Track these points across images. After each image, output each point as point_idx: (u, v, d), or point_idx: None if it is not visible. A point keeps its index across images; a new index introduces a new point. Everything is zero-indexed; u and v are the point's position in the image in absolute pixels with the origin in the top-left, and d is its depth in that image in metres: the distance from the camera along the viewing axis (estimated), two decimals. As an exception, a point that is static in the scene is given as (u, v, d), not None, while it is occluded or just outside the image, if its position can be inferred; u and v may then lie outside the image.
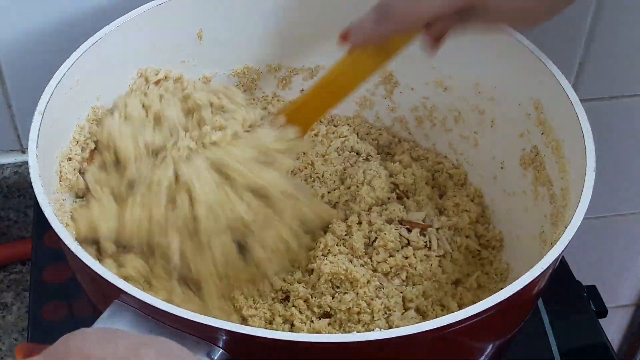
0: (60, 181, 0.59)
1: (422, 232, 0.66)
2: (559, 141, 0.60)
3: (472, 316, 0.45)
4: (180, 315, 0.43)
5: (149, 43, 0.66)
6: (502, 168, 0.69)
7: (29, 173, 0.52)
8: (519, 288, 0.47)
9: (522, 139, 0.65)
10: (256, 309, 0.60)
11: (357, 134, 0.76)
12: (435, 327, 0.44)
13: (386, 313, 0.59)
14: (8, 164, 0.81)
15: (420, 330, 0.44)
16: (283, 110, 0.65)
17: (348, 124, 0.76)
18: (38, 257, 0.75)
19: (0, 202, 0.83)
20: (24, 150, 0.82)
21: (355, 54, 0.60)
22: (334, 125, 0.76)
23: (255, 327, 0.55)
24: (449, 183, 0.73)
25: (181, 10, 0.67)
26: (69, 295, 0.71)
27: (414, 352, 0.47)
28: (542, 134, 0.62)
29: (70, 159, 0.60)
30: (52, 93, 0.57)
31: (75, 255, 0.47)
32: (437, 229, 0.66)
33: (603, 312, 0.77)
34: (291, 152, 0.64)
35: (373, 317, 0.58)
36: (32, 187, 0.51)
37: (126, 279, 0.52)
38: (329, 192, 0.70)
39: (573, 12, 0.81)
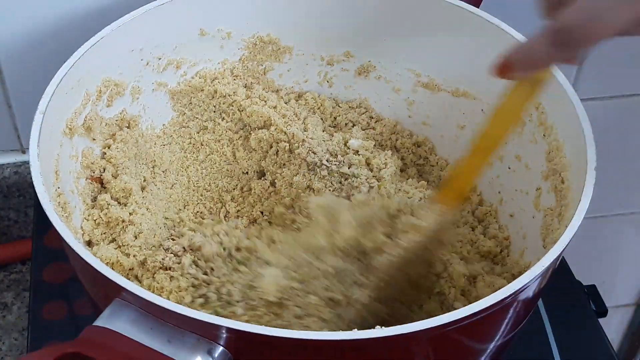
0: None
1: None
2: (560, 141, 0.60)
3: (471, 315, 0.45)
4: (181, 312, 0.43)
5: (150, 43, 0.66)
6: (503, 169, 0.68)
7: (29, 173, 0.52)
8: (519, 288, 0.47)
9: (522, 139, 0.65)
10: None
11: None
12: (435, 325, 0.44)
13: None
14: (8, 164, 0.82)
15: (420, 329, 0.44)
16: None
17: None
18: (38, 257, 0.75)
19: (0, 202, 0.83)
20: (24, 150, 0.82)
21: (511, 92, 0.54)
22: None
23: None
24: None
25: (182, 11, 0.67)
26: (69, 295, 0.71)
27: (414, 351, 0.47)
28: (544, 135, 0.62)
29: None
30: (53, 93, 0.57)
31: (76, 253, 0.47)
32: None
33: (603, 312, 0.77)
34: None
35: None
36: (32, 187, 0.51)
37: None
38: None
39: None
